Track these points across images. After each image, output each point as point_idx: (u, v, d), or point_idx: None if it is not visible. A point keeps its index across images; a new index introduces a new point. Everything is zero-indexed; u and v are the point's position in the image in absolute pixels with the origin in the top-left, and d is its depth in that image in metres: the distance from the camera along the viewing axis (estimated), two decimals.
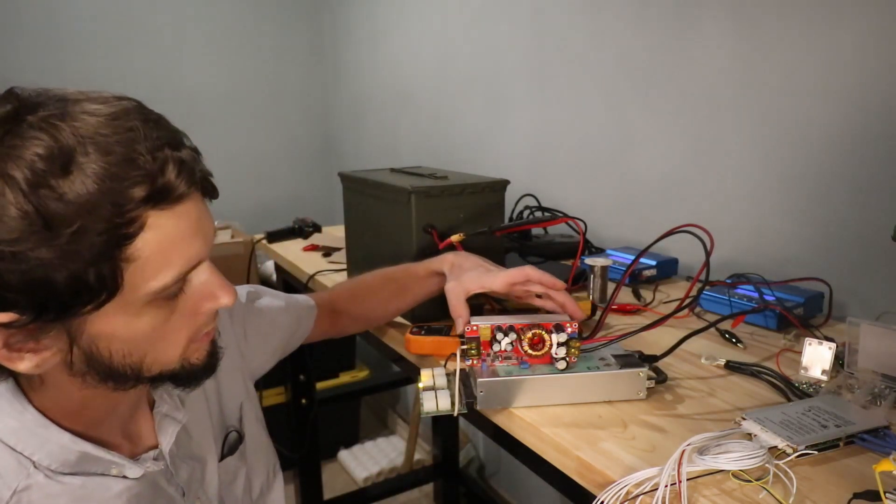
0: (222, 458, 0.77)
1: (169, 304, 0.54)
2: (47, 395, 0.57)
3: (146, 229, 0.49)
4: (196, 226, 0.53)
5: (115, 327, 0.52)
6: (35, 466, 0.56)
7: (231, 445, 0.79)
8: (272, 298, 0.91)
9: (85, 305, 0.49)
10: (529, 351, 0.72)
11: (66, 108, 0.48)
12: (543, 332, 0.72)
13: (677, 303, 0.86)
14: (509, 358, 0.74)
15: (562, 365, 0.71)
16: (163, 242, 0.50)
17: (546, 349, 0.72)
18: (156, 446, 0.67)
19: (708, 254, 0.81)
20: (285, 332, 0.92)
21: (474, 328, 0.73)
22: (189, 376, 0.60)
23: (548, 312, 0.84)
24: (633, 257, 1.20)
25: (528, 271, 0.83)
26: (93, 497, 0.58)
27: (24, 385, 0.57)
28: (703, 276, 0.84)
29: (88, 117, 0.48)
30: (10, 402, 0.56)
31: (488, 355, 0.73)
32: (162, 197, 0.49)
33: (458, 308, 0.82)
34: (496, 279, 0.83)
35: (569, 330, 0.72)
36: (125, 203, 0.47)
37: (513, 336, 0.73)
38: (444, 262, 0.90)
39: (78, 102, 0.49)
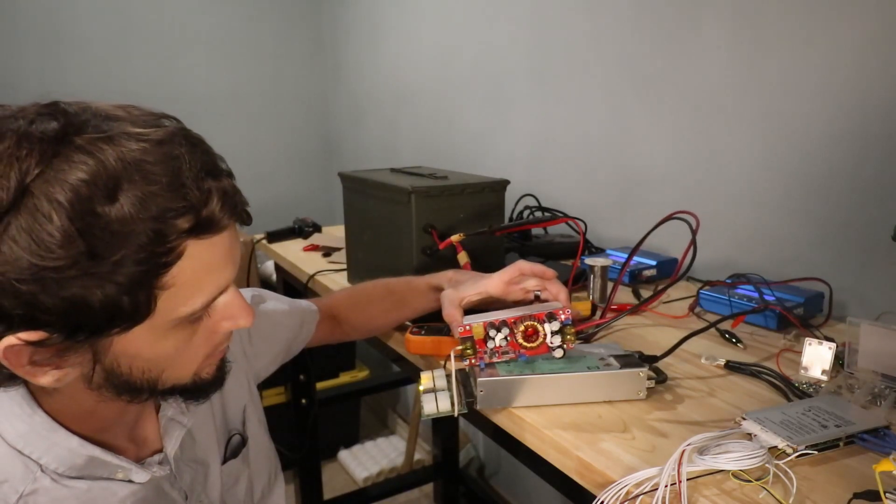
0: (225, 461, 0.77)
1: (193, 325, 0.55)
2: (58, 401, 0.57)
3: (184, 258, 0.49)
4: (229, 254, 0.53)
5: (141, 347, 0.52)
6: (42, 470, 0.56)
7: (234, 449, 0.79)
8: (276, 302, 0.92)
9: (116, 328, 0.49)
10: (525, 343, 0.72)
11: (111, 129, 0.47)
12: (536, 323, 0.72)
13: (678, 303, 0.86)
14: (507, 353, 0.73)
15: (559, 353, 0.71)
16: (198, 270, 0.50)
17: (541, 339, 0.72)
18: (160, 450, 0.67)
19: (694, 232, 0.83)
20: (288, 334, 0.92)
21: (467, 328, 0.73)
22: (199, 390, 0.61)
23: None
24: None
25: (521, 265, 0.83)
26: (98, 501, 0.59)
27: (35, 389, 0.57)
28: (691, 254, 0.86)
29: (134, 143, 0.47)
30: (20, 405, 0.56)
31: (485, 353, 0.73)
32: (204, 228, 0.49)
33: (451, 313, 0.81)
34: (490, 281, 0.84)
35: (562, 317, 0.72)
36: (168, 233, 0.47)
37: (506, 331, 0.72)
38: (444, 277, 0.91)
39: (120, 122, 0.48)
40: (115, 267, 0.45)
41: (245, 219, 0.56)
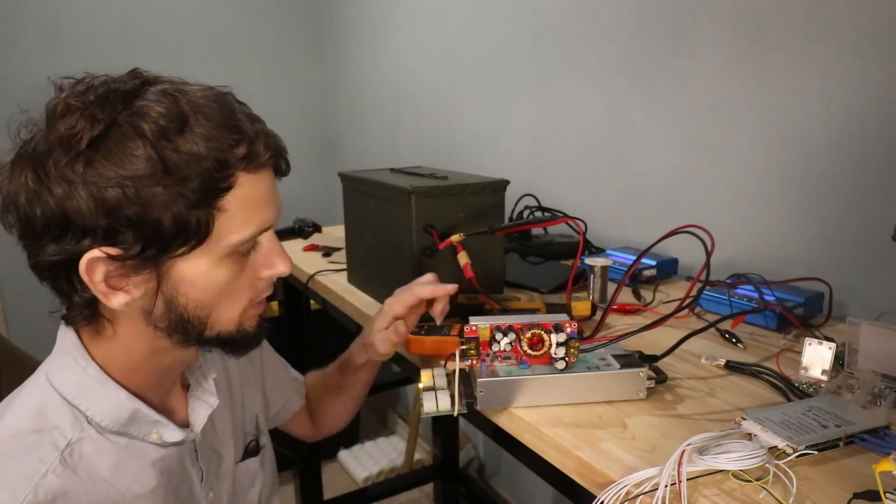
0: (242, 459, 0.83)
1: (241, 261, 0.61)
2: (114, 349, 0.63)
3: (236, 187, 0.57)
4: (271, 193, 0.62)
5: (197, 274, 0.58)
6: (88, 422, 0.61)
7: (251, 451, 0.85)
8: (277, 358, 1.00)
9: (181, 247, 0.56)
10: (528, 351, 0.72)
11: (177, 86, 0.58)
12: (542, 332, 0.72)
13: (677, 303, 0.86)
14: (508, 358, 0.73)
15: (561, 365, 0.71)
16: (246, 202, 0.58)
17: (545, 349, 0.72)
18: (186, 425, 0.71)
19: (708, 254, 0.81)
20: (283, 383, 0.99)
21: (473, 328, 0.73)
22: (241, 342, 0.66)
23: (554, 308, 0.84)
24: (633, 257, 1.20)
25: (417, 290, 0.82)
26: (132, 459, 0.63)
27: (87, 341, 0.63)
28: (703, 277, 0.84)
29: (199, 93, 0.58)
30: (75, 357, 0.62)
31: (487, 355, 0.73)
32: (251, 160, 0.58)
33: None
34: (393, 307, 0.84)
35: (568, 330, 0.72)
36: (226, 160, 0.56)
37: (512, 336, 0.73)
38: (358, 348, 0.92)
39: (185, 84, 0.60)
40: (183, 182, 0.54)
41: (283, 166, 0.65)
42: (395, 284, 1.04)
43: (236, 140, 0.57)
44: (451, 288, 0.76)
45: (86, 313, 0.60)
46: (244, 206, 0.58)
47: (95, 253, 0.54)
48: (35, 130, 0.56)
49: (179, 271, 0.58)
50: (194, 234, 0.56)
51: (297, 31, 2.88)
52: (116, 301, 0.57)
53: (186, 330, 0.61)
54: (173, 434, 0.67)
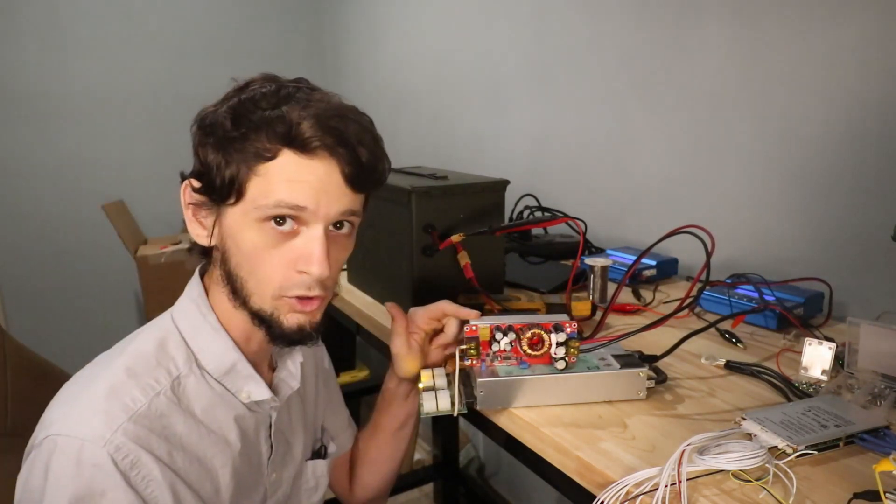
0: (311, 458, 0.87)
1: (275, 235, 0.64)
2: (216, 297, 0.70)
3: (277, 160, 0.62)
4: (310, 179, 0.63)
5: (235, 227, 0.65)
6: (196, 363, 0.68)
7: (318, 454, 0.90)
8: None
9: (227, 197, 0.64)
10: (528, 351, 0.72)
11: (283, 84, 0.67)
12: (542, 332, 0.72)
13: (677, 303, 0.86)
14: (508, 358, 0.73)
15: (561, 365, 0.71)
16: (280, 174, 0.63)
17: (545, 349, 0.72)
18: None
19: (709, 254, 0.81)
20: (341, 413, 0.99)
21: (473, 328, 0.73)
22: (276, 331, 0.68)
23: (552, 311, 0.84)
24: (632, 257, 1.20)
25: (444, 306, 0.81)
26: (222, 408, 0.69)
27: (207, 288, 0.71)
28: (703, 277, 0.84)
29: (325, 97, 0.66)
30: (198, 304, 0.70)
31: (487, 355, 0.73)
32: (293, 141, 0.62)
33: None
34: (415, 316, 0.83)
35: (568, 330, 0.72)
36: (270, 133, 0.62)
37: (512, 336, 0.73)
38: (389, 372, 0.90)
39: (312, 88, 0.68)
40: (242, 143, 0.63)
41: (348, 170, 0.64)
42: (395, 284, 1.04)
43: (283, 120, 0.62)
44: (476, 313, 0.78)
45: (196, 249, 0.71)
46: (277, 178, 0.62)
47: (187, 182, 0.67)
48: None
49: (227, 219, 0.66)
50: (237, 188, 0.63)
51: (297, 31, 2.88)
52: (193, 229, 0.68)
53: (235, 288, 0.67)
54: (262, 391, 0.72)
